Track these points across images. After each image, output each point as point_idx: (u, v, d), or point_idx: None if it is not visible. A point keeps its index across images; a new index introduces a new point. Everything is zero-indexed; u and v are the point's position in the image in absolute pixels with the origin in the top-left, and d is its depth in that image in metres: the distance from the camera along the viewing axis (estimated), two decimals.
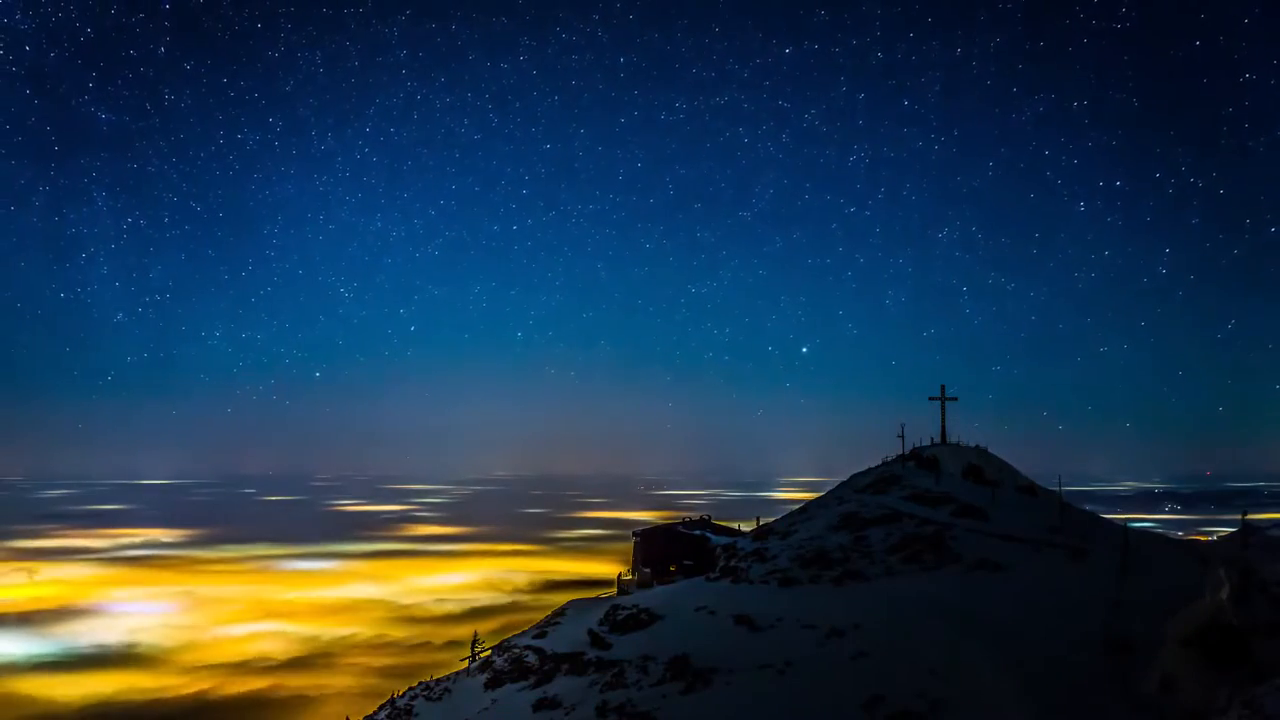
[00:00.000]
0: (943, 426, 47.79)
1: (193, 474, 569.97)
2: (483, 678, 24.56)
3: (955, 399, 48.17)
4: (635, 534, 45.51)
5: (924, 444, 47.57)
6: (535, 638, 27.16)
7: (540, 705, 19.88)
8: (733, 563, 31.50)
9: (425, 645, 73.65)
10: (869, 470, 45.86)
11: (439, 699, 24.58)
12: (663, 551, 42.08)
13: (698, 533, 42.19)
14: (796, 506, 43.36)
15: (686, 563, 40.13)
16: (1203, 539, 36.37)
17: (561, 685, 21.05)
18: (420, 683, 27.18)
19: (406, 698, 25.96)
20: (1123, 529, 28.78)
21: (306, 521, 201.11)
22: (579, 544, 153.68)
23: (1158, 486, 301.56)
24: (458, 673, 27.37)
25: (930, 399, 48.58)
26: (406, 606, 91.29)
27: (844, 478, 46.34)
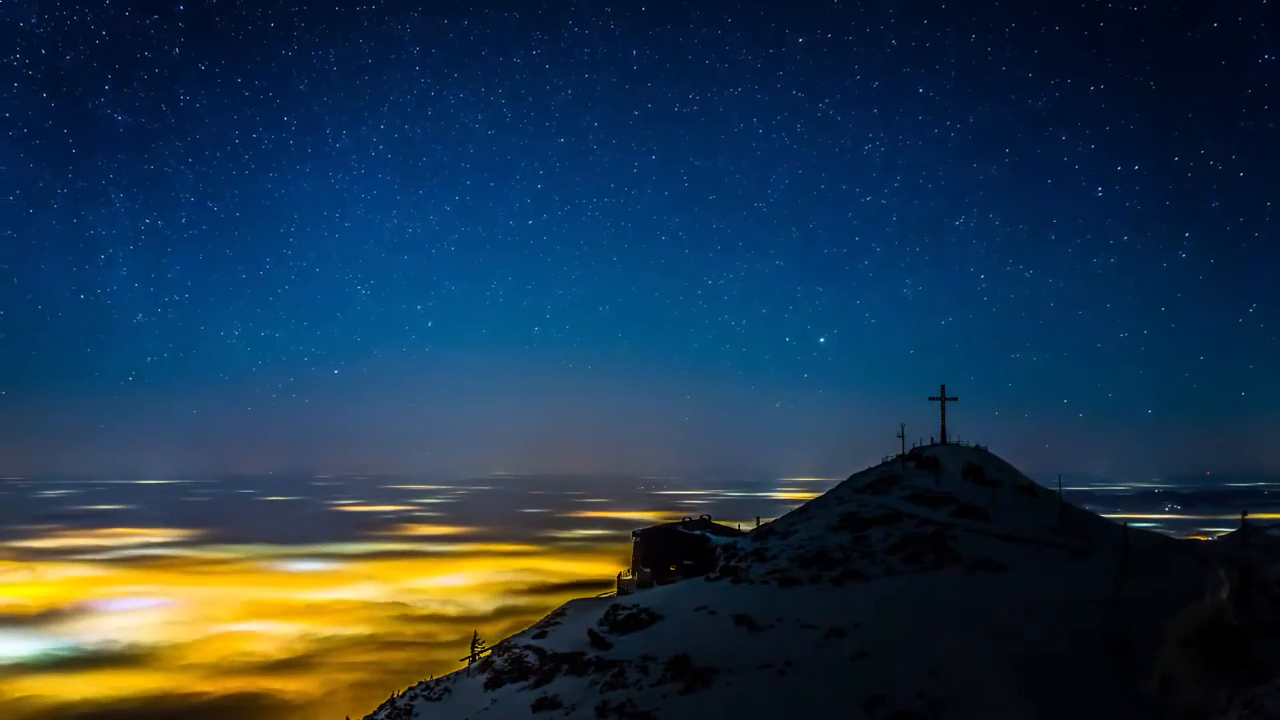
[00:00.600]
0: (943, 426, 47.82)
1: (193, 474, 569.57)
2: (483, 678, 24.56)
3: (955, 399, 48.21)
4: (635, 534, 45.50)
5: (924, 444, 47.59)
6: (535, 638, 27.16)
7: (540, 705, 19.88)
8: (733, 563, 31.51)
9: (425, 645, 73.61)
10: (869, 470, 45.88)
11: (439, 699, 24.57)
12: (663, 551, 42.05)
13: (698, 533, 42.16)
14: (796, 506, 43.38)
15: (686, 563, 40.11)
16: (1203, 539, 36.35)
17: (561, 685, 21.05)
18: (420, 683, 27.18)
19: (406, 698, 25.95)
20: (1123, 529, 28.78)
21: (306, 522, 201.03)
22: (579, 544, 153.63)
23: (1158, 486, 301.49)
24: (458, 673, 27.36)
25: (930, 399, 48.61)
26: (406, 607, 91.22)
27: (844, 478, 46.38)
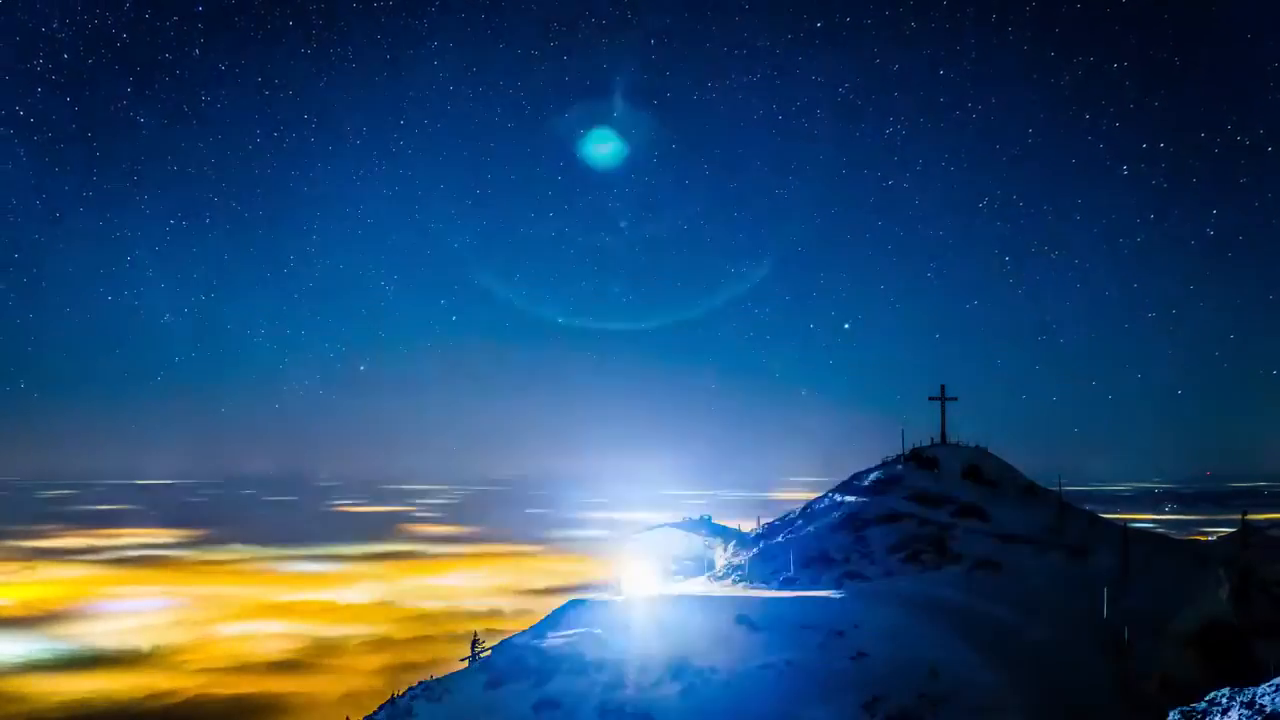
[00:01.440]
0: (943, 426, 47.75)
1: (194, 474, 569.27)
2: (483, 678, 24.56)
3: (955, 399, 48.18)
4: (635, 534, 45.53)
5: (924, 444, 47.57)
6: (535, 638, 27.17)
7: (540, 705, 19.89)
8: (733, 563, 31.52)
9: (425, 645, 73.64)
10: (869, 470, 45.87)
11: (439, 699, 24.56)
12: (665, 551, 42.08)
13: (698, 533, 42.19)
14: (796, 506, 43.39)
15: (687, 562, 40.13)
16: (1203, 539, 36.37)
17: (561, 685, 21.06)
18: (420, 683, 27.14)
19: (406, 698, 25.92)
20: (1123, 529, 28.79)
21: (307, 522, 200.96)
22: (579, 544, 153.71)
23: (1158, 486, 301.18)
24: (458, 673, 27.35)
25: (930, 399, 48.56)
26: (406, 607, 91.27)
27: (844, 478, 46.36)
